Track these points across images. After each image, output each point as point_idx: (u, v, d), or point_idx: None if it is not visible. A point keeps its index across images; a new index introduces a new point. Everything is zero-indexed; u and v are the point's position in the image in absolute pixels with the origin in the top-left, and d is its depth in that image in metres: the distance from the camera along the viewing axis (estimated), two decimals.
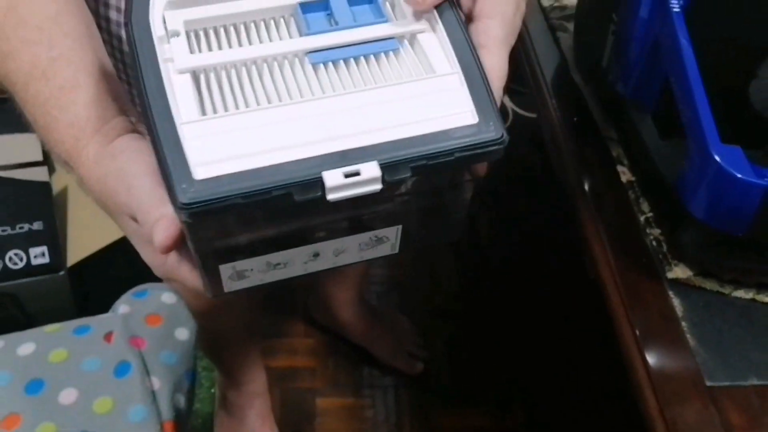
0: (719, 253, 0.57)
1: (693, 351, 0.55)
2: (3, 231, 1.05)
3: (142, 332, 0.83)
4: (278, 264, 0.41)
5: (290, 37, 0.41)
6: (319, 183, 0.35)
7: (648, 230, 0.62)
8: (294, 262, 0.41)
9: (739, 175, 0.51)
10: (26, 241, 1.05)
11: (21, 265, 1.04)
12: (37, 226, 1.07)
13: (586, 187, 0.67)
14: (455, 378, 1.35)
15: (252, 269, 0.41)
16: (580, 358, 1.29)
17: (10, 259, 1.04)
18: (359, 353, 1.36)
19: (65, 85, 0.46)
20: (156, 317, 0.87)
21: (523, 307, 1.41)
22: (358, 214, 0.41)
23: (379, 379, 1.35)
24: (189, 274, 0.43)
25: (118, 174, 0.43)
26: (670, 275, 0.59)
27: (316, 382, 1.34)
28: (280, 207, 0.35)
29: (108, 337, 0.82)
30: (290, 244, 0.40)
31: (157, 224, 0.40)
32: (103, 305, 0.88)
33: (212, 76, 0.39)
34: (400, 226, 0.43)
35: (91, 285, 1.11)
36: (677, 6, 0.59)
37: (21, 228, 1.06)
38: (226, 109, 0.37)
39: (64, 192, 1.15)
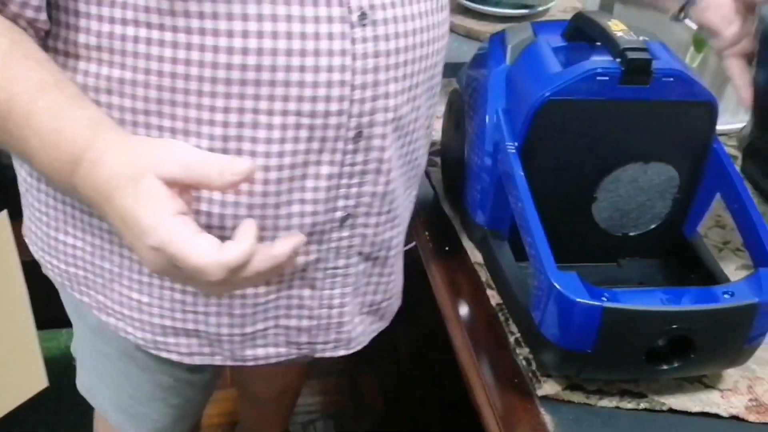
0: (576, 370, 0.61)
1: None
2: None
3: None
4: None
5: None
6: None
7: (518, 350, 0.67)
8: None
9: (577, 299, 0.56)
10: None
11: None
12: None
13: (460, 312, 0.71)
14: None
15: None
16: None
17: None
18: None
19: (79, 94, 0.53)
20: None
21: (450, 423, 1.42)
22: None
23: None
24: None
25: (151, 140, 0.52)
26: (540, 392, 0.63)
27: None
28: None
29: None
30: None
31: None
32: None
33: None
34: None
35: None
36: (513, 147, 0.66)
37: None
38: None
39: None
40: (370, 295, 0.71)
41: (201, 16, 0.53)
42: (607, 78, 0.63)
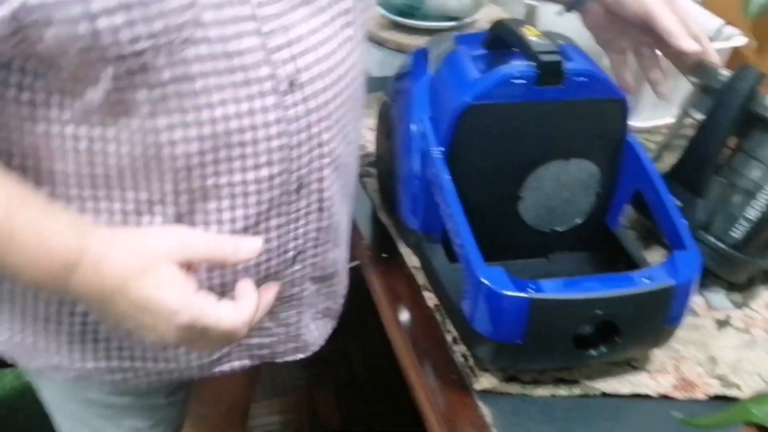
0: (510, 361, 0.64)
1: None
2: None
3: None
4: None
5: None
6: None
7: (455, 348, 0.69)
8: None
9: (504, 293, 0.59)
10: None
11: None
12: None
13: (399, 316, 0.73)
14: None
15: None
16: None
17: None
18: None
19: (46, 202, 0.54)
20: None
21: None
22: None
23: None
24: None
25: (150, 229, 0.56)
26: (477, 387, 0.65)
27: None
28: None
29: None
30: None
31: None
32: None
33: None
34: None
35: None
36: (439, 153, 0.68)
37: None
38: None
39: None
40: (322, 304, 0.75)
41: (141, 116, 0.54)
42: (523, 81, 0.66)
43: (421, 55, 0.76)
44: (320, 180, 0.64)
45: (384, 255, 0.80)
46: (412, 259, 0.78)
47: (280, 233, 0.63)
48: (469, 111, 0.66)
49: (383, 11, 1.19)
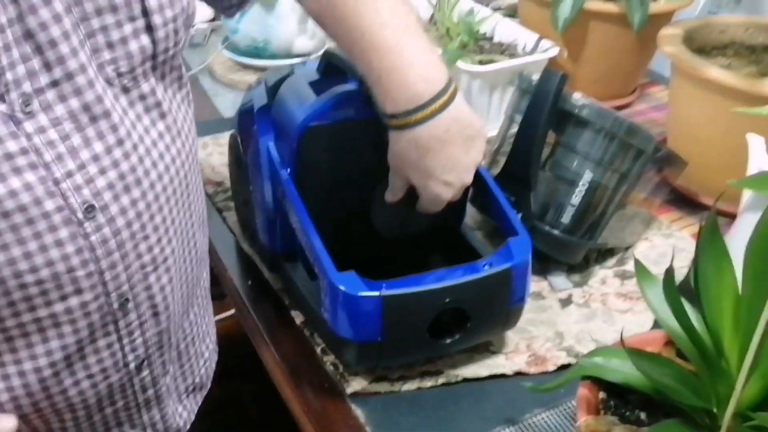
0: (374, 360, 0.67)
1: None
2: None
3: None
4: None
5: None
6: None
7: (325, 358, 0.71)
8: None
9: (358, 294, 0.63)
10: None
11: None
12: None
13: (269, 337, 0.75)
14: None
15: None
16: None
17: None
18: None
19: None
20: None
21: None
22: None
23: None
24: None
25: None
26: (349, 390, 0.68)
27: None
28: None
29: None
30: None
31: None
32: None
33: None
34: None
35: None
36: (285, 174, 0.72)
37: None
38: None
39: None
40: (186, 381, 0.72)
41: None
42: (354, 100, 0.71)
43: (260, 85, 0.80)
44: (148, 288, 0.58)
45: (249, 282, 0.82)
46: (277, 282, 0.80)
47: (112, 351, 0.58)
48: (308, 132, 0.71)
49: (230, 54, 1.23)
